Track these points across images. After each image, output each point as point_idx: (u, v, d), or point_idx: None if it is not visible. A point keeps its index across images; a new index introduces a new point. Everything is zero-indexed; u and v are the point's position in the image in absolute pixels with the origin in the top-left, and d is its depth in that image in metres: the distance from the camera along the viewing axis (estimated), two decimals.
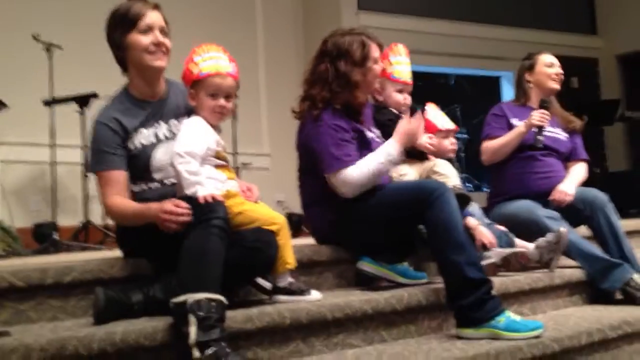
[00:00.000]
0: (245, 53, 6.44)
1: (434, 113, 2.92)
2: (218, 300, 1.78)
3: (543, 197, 3.00)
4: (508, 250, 2.63)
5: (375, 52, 2.45)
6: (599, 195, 2.96)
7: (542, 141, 3.01)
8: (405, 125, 2.36)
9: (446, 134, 2.86)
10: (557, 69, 3.21)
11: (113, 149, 2.05)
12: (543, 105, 3.04)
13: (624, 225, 3.61)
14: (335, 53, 2.42)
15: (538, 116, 2.96)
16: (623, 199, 6.03)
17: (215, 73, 2.07)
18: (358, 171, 2.31)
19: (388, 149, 2.34)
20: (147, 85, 2.14)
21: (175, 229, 1.88)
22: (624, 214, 5.22)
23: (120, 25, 2.07)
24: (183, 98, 2.17)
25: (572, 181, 3.04)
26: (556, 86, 3.20)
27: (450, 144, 2.87)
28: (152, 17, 2.09)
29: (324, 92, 2.40)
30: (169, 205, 1.90)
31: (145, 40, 2.06)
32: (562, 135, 3.18)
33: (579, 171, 3.15)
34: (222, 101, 2.09)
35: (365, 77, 2.43)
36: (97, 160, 2.07)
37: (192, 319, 1.73)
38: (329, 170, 2.34)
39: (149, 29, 2.07)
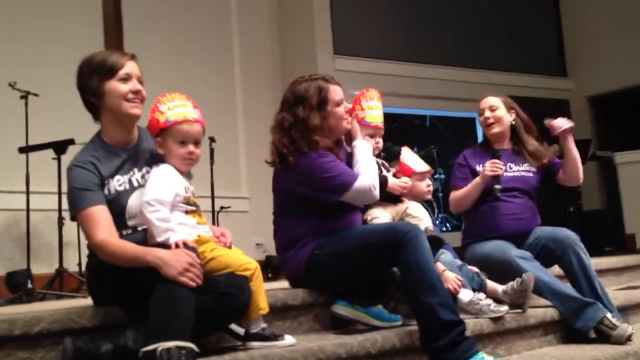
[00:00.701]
0: (223, 97, 6.56)
1: (408, 156, 2.96)
2: (188, 348, 1.76)
3: (514, 238, 3.03)
4: (489, 313, 2.59)
5: (335, 95, 2.50)
6: (569, 234, 3.00)
7: (499, 190, 3.03)
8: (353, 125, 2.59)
9: (422, 176, 2.90)
10: (486, 115, 3.18)
11: (92, 186, 2.02)
12: (495, 155, 3.07)
13: (599, 263, 3.67)
14: (293, 100, 2.48)
15: (489, 167, 3.02)
16: (598, 237, 6.14)
17: (182, 120, 2.09)
18: (365, 175, 2.42)
19: (364, 147, 2.53)
20: (122, 133, 2.15)
21: (197, 284, 1.86)
22: (599, 252, 5.30)
23: (98, 72, 2.08)
24: (154, 144, 2.19)
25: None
26: (491, 131, 3.17)
27: (426, 185, 2.91)
28: (131, 67, 2.12)
29: (283, 139, 2.45)
30: (193, 259, 1.88)
31: (124, 88, 2.09)
32: (528, 170, 3.16)
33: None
34: (191, 147, 2.11)
35: (326, 121, 2.47)
36: (76, 201, 2.01)
37: None
38: (344, 188, 2.39)
39: (128, 77, 2.10)
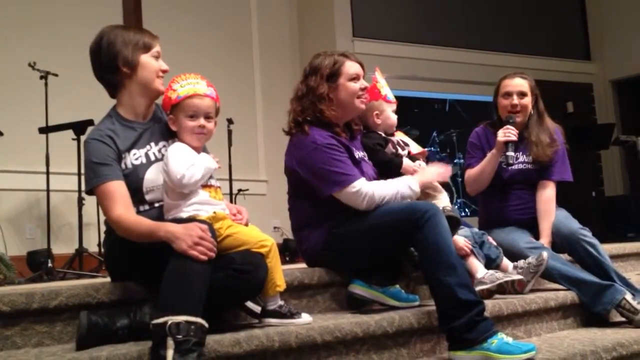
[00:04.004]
0: (242, 80, 6.54)
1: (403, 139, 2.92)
2: (198, 323, 1.75)
3: (524, 225, 2.99)
4: (503, 278, 2.60)
5: (349, 69, 2.49)
6: (573, 229, 2.88)
7: (513, 157, 2.92)
8: (434, 172, 2.50)
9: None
10: (513, 102, 3.00)
11: (109, 160, 2.03)
12: (508, 121, 2.98)
13: (621, 248, 3.61)
14: (309, 71, 2.52)
15: (502, 133, 2.92)
16: (620, 223, 6.04)
17: (192, 94, 2.09)
18: (380, 188, 2.35)
19: (412, 187, 2.41)
20: (144, 105, 2.17)
21: (209, 257, 1.83)
22: (621, 237, 5.21)
23: (133, 44, 2.11)
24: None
25: (545, 235, 2.95)
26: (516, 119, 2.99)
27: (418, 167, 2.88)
28: (159, 47, 2.19)
29: (297, 107, 2.49)
30: (205, 233, 1.85)
31: (156, 64, 2.16)
32: (531, 165, 3.04)
33: (546, 209, 2.97)
34: (201, 121, 2.09)
35: (335, 93, 2.47)
36: (93, 175, 2.01)
37: (170, 342, 1.70)
38: (338, 187, 2.34)
39: (158, 56, 2.18)
